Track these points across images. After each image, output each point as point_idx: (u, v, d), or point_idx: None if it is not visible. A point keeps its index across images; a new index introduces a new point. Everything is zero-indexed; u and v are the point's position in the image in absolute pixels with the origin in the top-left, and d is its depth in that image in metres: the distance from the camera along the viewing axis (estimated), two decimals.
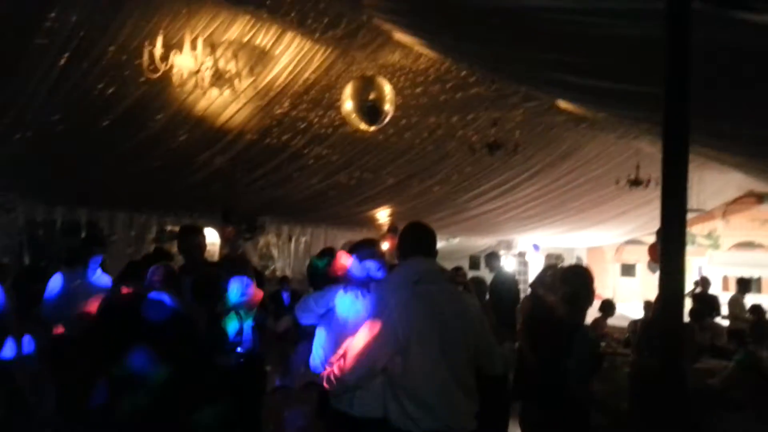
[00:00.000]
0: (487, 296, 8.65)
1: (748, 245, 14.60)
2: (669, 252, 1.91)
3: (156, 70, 4.72)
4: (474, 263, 12.29)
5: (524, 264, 15.69)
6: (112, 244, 7.77)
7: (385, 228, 11.53)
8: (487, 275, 9.19)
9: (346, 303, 3.18)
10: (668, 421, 1.90)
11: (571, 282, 3.53)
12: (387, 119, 5.99)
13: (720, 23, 2.13)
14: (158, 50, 4.67)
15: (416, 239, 2.90)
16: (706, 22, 2.04)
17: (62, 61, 5.08)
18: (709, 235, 15.08)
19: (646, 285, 14.23)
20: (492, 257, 8.96)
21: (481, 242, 14.09)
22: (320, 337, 3.31)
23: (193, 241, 4.38)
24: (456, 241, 12.97)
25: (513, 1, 2.63)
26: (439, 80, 6.70)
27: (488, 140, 7.70)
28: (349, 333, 2.91)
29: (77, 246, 5.00)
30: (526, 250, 15.05)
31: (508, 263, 14.04)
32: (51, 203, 7.78)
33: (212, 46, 5.16)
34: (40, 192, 7.45)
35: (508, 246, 14.60)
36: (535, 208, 11.95)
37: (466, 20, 3.09)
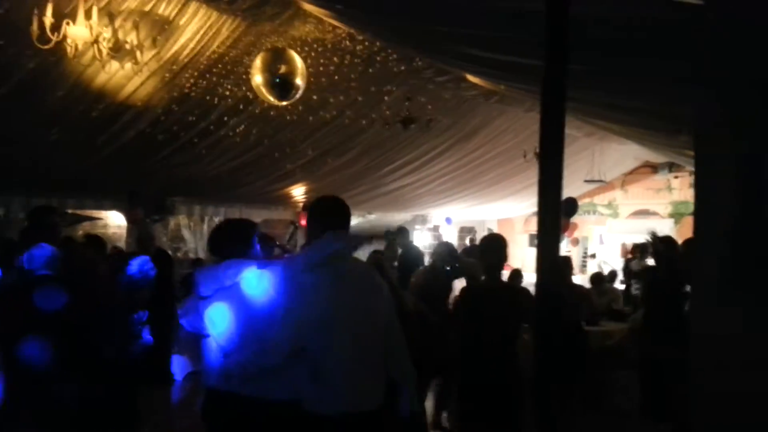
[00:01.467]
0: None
1: (644, 213, 15.59)
2: (545, 221, 2.04)
3: (47, 41, 4.40)
4: (390, 239, 12.42)
5: (438, 238, 16.03)
6: (6, 230, 7.24)
7: (301, 205, 11.42)
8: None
9: (254, 280, 2.95)
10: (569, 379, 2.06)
11: (488, 250, 3.66)
12: (299, 94, 5.89)
13: None
14: (48, 19, 4.35)
15: (325, 215, 2.79)
16: None
17: None
18: (609, 205, 15.97)
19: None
20: (400, 233, 9.05)
21: (398, 217, 14.24)
22: (219, 312, 2.99)
23: (46, 221, 4.15)
24: (373, 216, 13.05)
25: None
26: (352, 54, 6.65)
27: (402, 115, 7.75)
28: (253, 313, 2.78)
29: None
30: (440, 224, 15.38)
31: (423, 237, 14.29)
32: None
33: (110, 15, 4.87)
34: None
35: (423, 220, 14.85)
36: (449, 182, 12.20)
37: None
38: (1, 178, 7.26)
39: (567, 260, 6.97)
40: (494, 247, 3.68)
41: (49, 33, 4.43)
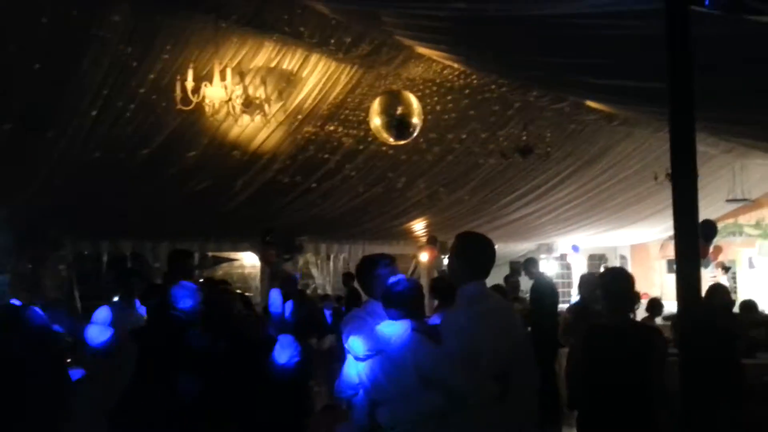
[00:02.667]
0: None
1: None
2: (684, 245, 1.94)
3: (188, 102, 4.87)
4: (514, 269, 12.14)
5: (566, 267, 15.45)
6: (158, 274, 7.94)
7: (423, 240, 11.53)
8: (526, 282, 9.06)
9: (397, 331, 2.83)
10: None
11: (610, 287, 3.41)
12: (416, 132, 6.02)
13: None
14: (189, 83, 4.81)
15: (486, 260, 2.86)
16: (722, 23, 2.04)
17: (100, 100, 5.29)
18: (757, 225, 14.57)
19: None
20: (530, 263, 8.82)
21: (521, 247, 13.93)
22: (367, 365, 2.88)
23: (183, 264, 4.70)
24: (495, 247, 12.85)
25: (529, 9, 2.65)
26: (467, 88, 6.72)
27: (519, 145, 7.66)
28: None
29: (119, 278, 5.16)
30: (567, 252, 14.83)
31: (549, 267, 13.82)
32: (97, 237, 8.03)
33: (241, 74, 5.30)
34: (86, 227, 7.70)
35: (549, 249, 14.39)
36: (574, 209, 11.79)
37: (483, 32, 3.11)
38: (152, 226, 8.03)
39: (722, 287, 6.41)
40: (621, 288, 3.37)
41: (190, 95, 4.91)
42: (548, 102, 7.04)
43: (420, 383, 2.66)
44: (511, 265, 13.50)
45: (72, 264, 7.75)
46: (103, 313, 4.76)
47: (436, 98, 6.83)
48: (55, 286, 7.30)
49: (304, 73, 5.93)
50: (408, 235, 11.17)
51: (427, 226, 10.97)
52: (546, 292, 8.52)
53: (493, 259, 2.92)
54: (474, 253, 2.86)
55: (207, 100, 4.94)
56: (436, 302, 7.02)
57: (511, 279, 8.19)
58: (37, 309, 3.93)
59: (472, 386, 2.58)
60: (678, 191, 1.98)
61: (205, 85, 4.88)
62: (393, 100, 5.89)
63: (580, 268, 15.54)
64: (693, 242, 1.99)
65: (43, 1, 4.32)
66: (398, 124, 5.92)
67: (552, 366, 6.61)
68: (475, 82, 6.54)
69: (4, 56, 4.57)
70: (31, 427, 3.13)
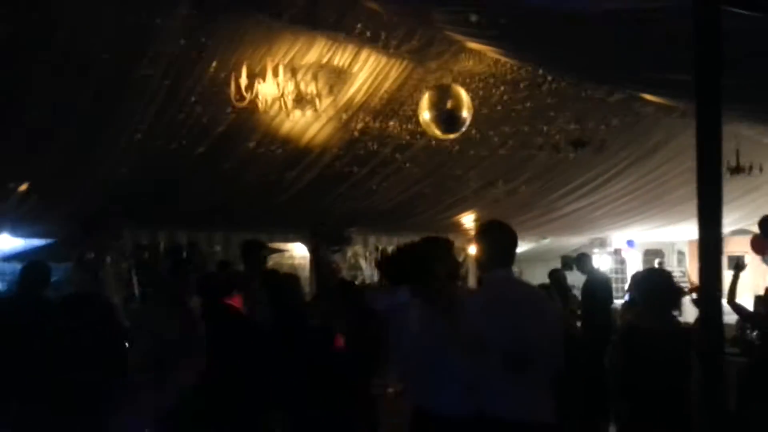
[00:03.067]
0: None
1: None
2: (707, 248, 1.90)
3: (242, 99, 4.99)
4: (565, 263, 11.93)
5: (620, 262, 15.08)
6: (209, 262, 8.17)
7: (473, 233, 11.45)
8: (578, 277, 8.88)
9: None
10: None
11: (643, 286, 3.33)
12: (465, 126, 5.99)
13: None
14: (243, 80, 4.93)
15: (508, 247, 2.87)
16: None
17: (159, 97, 5.47)
18: None
19: (758, 278, 13.24)
20: (583, 259, 8.63)
21: (574, 241, 13.68)
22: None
23: (257, 254, 5.01)
24: (547, 241, 12.66)
25: (581, 5, 2.61)
26: (520, 80, 6.62)
27: (572, 138, 7.51)
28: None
29: (175, 267, 5.33)
30: (622, 247, 14.47)
31: (603, 262, 13.53)
32: (154, 228, 8.32)
33: (293, 70, 5.39)
34: (144, 218, 7.99)
35: (602, 243, 14.08)
36: (629, 202, 11.48)
37: (535, 27, 3.08)
38: (206, 217, 8.27)
39: None
40: (654, 286, 3.27)
41: (243, 92, 5.03)
42: (603, 94, 6.88)
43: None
44: (562, 259, 13.28)
45: (132, 253, 8.06)
46: None
47: (490, 91, 6.76)
48: (115, 274, 7.62)
49: (355, 69, 5.98)
50: (457, 228, 11.12)
51: (476, 220, 10.89)
52: (599, 288, 8.33)
53: (515, 245, 2.92)
54: (495, 241, 2.89)
55: (260, 97, 5.05)
56: None
57: (557, 273, 8.04)
58: (102, 296, 4.11)
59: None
60: (703, 184, 1.92)
61: (259, 82, 4.99)
62: (442, 94, 5.87)
63: (635, 263, 15.15)
64: (716, 244, 1.94)
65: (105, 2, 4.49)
66: (447, 118, 5.91)
67: (601, 363, 6.49)
68: (528, 74, 6.44)
69: (67, 54, 4.76)
70: (76, 418, 3.16)
